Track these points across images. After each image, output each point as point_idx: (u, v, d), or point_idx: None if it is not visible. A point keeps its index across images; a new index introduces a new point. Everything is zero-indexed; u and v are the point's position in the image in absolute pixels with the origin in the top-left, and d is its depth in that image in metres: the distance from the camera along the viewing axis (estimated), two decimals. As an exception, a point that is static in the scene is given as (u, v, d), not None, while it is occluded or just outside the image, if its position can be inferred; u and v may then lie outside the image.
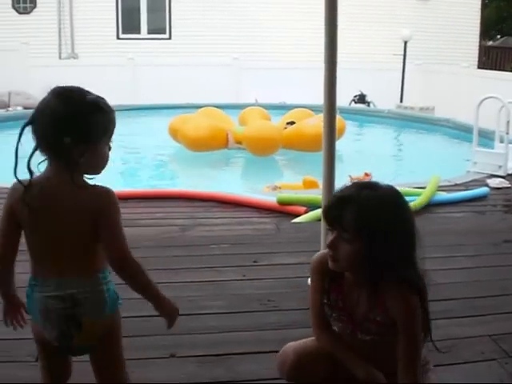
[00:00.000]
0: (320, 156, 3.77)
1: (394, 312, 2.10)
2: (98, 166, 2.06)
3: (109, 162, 2.09)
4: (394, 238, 2.04)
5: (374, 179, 7.47)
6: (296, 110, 10.75)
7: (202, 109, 10.69)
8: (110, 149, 2.07)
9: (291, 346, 2.35)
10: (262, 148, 9.25)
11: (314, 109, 10.18)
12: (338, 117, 9.44)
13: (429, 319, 2.19)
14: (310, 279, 2.32)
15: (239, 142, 9.47)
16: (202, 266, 4.17)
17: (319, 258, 2.25)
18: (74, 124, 1.94)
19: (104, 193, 2.02)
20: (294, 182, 7.40)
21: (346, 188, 2.13)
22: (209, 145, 9.46)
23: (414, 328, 2.10)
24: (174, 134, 9.65)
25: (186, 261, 4.27)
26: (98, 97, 2.03)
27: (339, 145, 8.98)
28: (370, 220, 2.03)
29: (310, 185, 6.72)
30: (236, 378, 2.75)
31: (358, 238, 2.03)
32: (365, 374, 2.16)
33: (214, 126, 9.65)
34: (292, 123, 10.01)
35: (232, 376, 2.77)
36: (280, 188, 6.82)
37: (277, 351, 2.91)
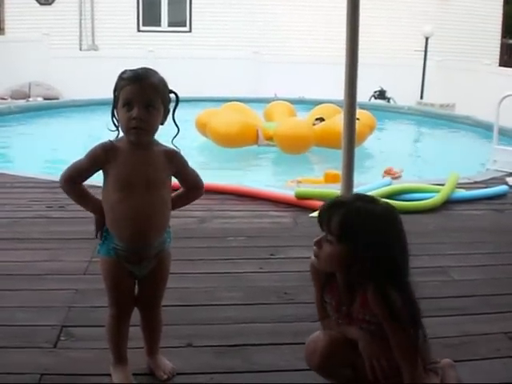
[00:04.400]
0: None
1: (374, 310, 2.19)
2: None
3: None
4: (374, 252, 2.14)
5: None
6: (324, 105, 10.44)
7: (228, 103, 10.40)
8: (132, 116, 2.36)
9: (319, 334, 2.37)
10: (294, 146, 8.94)
11: (333, 103, 10.13)
12: (369, 114, 9.43)
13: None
14: None
15: (269, 139, 9.18)
16: (219, 258, 4.18)
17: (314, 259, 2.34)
18: None
19: None
20: (316, 176, 7.35)
21: (347, 196, 2.27)
22: (239, 141, 9.19)
23: (388, 322, 2.16)
24: (202, 128, 9.36)
25: (203, 252, 4.29)
26: (135, 69, 2.49)
27: (368, 141, 9.03)
28: (353, 229, 2.16)
29: (332, 178, 6.60)
30: (252, 369, 2.77)
31: (339, 242, 2.17)
32: (363, 340, 2.25)
33: (245, 122, 9.41)
34: (321, 119, 9.71)
35: (248, 366, 2.79)
36: (301, 182, 6.76)
37: (292, 343, 2.94)
